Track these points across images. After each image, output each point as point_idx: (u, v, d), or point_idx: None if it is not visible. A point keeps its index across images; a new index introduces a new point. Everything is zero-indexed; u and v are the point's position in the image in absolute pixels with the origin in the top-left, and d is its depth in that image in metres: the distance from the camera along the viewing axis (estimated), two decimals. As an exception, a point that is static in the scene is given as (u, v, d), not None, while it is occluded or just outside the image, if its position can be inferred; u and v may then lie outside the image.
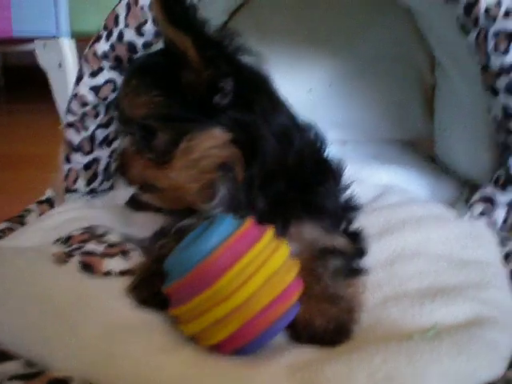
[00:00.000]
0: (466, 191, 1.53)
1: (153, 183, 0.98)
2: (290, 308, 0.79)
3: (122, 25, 1.34)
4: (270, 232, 0.82)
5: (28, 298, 0.83)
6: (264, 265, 0.76)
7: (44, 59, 2.80)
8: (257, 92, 0.96)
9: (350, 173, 1.20)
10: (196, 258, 0.76)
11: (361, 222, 1.14)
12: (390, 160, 1.77)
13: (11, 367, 0.73)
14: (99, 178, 1.50)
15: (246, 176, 0.94)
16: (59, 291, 0.86)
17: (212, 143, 0.92)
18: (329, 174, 1.09)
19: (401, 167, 1.68)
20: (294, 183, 0.98)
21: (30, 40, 2.83)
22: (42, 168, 2.30)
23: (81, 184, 1.48)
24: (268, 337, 0.78)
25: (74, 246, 1.01)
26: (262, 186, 0.95)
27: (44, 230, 1.20)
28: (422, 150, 2.01)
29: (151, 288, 0.88)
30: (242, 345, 0.77)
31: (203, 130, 0.91)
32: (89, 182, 1.49)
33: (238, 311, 0.74)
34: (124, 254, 1.00)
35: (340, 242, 1.00)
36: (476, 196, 1.33)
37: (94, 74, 1.39)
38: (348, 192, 1.18)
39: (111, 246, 1.02)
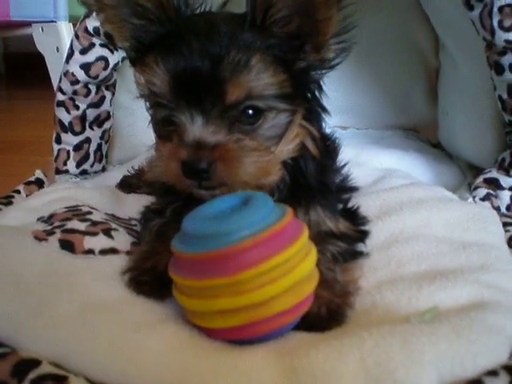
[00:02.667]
0: (469, 176, 1.49)
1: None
2: (300, 316, 0.75)
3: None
4: (305, 233, 0.76)
5: (1, 274, 0.79)
6: (292, 271, 0.70)
7: (42, 43, 2.77)
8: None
9: (349, 156, 1.16)
10: (226, 238, 0.69)
11: (358, 204, 1.09)
12: (392, 145, 1.73)
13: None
14: (90, 160, 1.47)
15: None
16: (34, 269, 0.82)
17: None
18: (327, 151, 1.04)
19: (403, 152, 1.64)
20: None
21: (29, 24, 2.81)
22: (40, 152, 2.29)
23: (71, 165, 1.44)
24: (268, 338, 0.73)
25: (55, 224, 0.97)
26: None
27: (28, 209, 1.16)
28: (425, 137, 1.98)
29: (153, 269, 0.84)
30: (237, 339, 0.72)
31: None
32: (79, 163, 1.45)
33: (249, 310, 0.69)
34: (107, 232, 0.96)
35: (342, 225, 0.95)
36: (479, 179, 1.29)
37: (84, 51, 1.36)
38: (343, 172, 1.13)
39: (94, 224, 0.97)
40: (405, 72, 1.98)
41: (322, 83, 0.92)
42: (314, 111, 0.93)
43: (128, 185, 1.40)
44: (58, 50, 2.65)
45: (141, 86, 0.87)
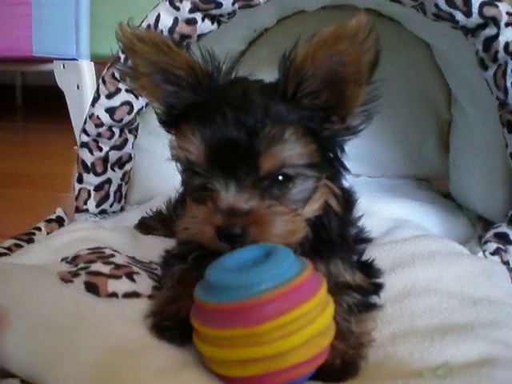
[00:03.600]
0: (479, 229, 1.52)
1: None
2: (316, 367, 0.77)
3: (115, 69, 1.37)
4: (324, 287, 0.79)
5: (28, 315, 0.82)
6: (310, 324, 0.73)
7: (62, 80, 2.84)
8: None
9: (362, 205, 1.19)
10: (247, 291, 0.72)
11: (372, 255, 1.11)
12: (403, 195, 1.76)
13: (7, 386, 0.71)
14: (110, 200, 1.51)
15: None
16: (61, 311, 0.84)
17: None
18: (347, 206, 1.08)
19: (414, 202, 1.67)
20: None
21: (49, 60, 2.88)
22: (53, 187, 2.32)
23: (91, 204, 1.48)
24: None
25: (80, 266, 1.00)
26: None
27: (51, 248, 1.19)
28: (436, 187, 2.01)
29: (175, 314, 0.86)
30: None
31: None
32: (99, 203, 1.49)
33: (267, 360, 0.71)
34: (130, 276, 0.98)
35: (359, 277, 0.99)
36: (490, 233, 1.32)
37: (110, 96, 1.41)
38: (358, 224, 1.16)
39: (118, 267, 1.00)
40: (418, 123, 2.02)
41: (344, 146, 0.96)
42: (336, 171, 0.97)
43: (146, 226, 1.44)
44: (78, 87, 2.72)
45: (175, 150, 0.91)
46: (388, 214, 1.53)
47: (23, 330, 0.79)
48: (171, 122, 0.96)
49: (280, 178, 0.87)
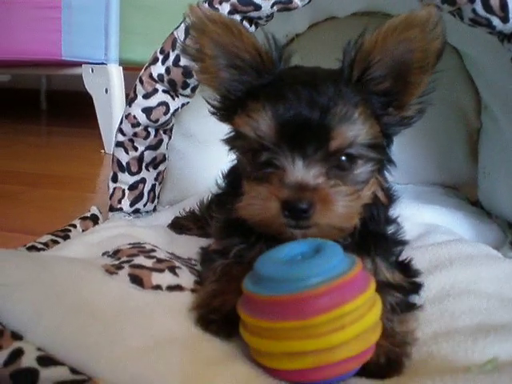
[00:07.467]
0: (510, 235, 1.51)
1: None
2: (363, 363, 0.77)
3: (179, 49, 1.37)
4: (373, 283, 0.79)
5: (76, 305, 0.83)
6: (360, 319, 0.73)
7: (90, 84, 2.87)
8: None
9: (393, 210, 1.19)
10: (300, 283, 0.73)
11: (411, 257, 1.12)
12: (433, 201, 1.76)
13: (57, 372, 0.72)
14: (144, 199, 1.52)
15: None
16: (107, 301, 0.86)
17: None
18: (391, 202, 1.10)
19: (443, 208, 1.66)
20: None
21: (77, 64, 2.92)
22: (81, 187, 2.35)
23: (125, 203, 1.49)
24: (330, 382, 0.75)
25: (122, 259, 1.01)
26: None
27: (89, 244, 1.21)
28: (463, 194, 2.01)
29: (221, 308, 0.87)
30: (301, 381, 0.75)
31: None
32: (133, 202, 1.50)
33: (317, 354, 0.71)
34: (172, 269, 1.00)
35: (399, 276, 0.99)
36: (522, 238, 1.32)
37: (147, 96, 1.42)
38: (394, 225, 1.17)
39: (160, 261, 1.01)
40: (446, 130, 2.03)
41: (393, 139, 0.98)
42: (383, 163, 0.99)
43: (180, 225, 1.46)
44: (106, 91, 2.75)
45: (240, 128, 0.93)
46: (419, 219, 1.54)
47: (69, 319, 0.80)
48: (229, 107, 0.98)
49: (343, 158, 0.89)
